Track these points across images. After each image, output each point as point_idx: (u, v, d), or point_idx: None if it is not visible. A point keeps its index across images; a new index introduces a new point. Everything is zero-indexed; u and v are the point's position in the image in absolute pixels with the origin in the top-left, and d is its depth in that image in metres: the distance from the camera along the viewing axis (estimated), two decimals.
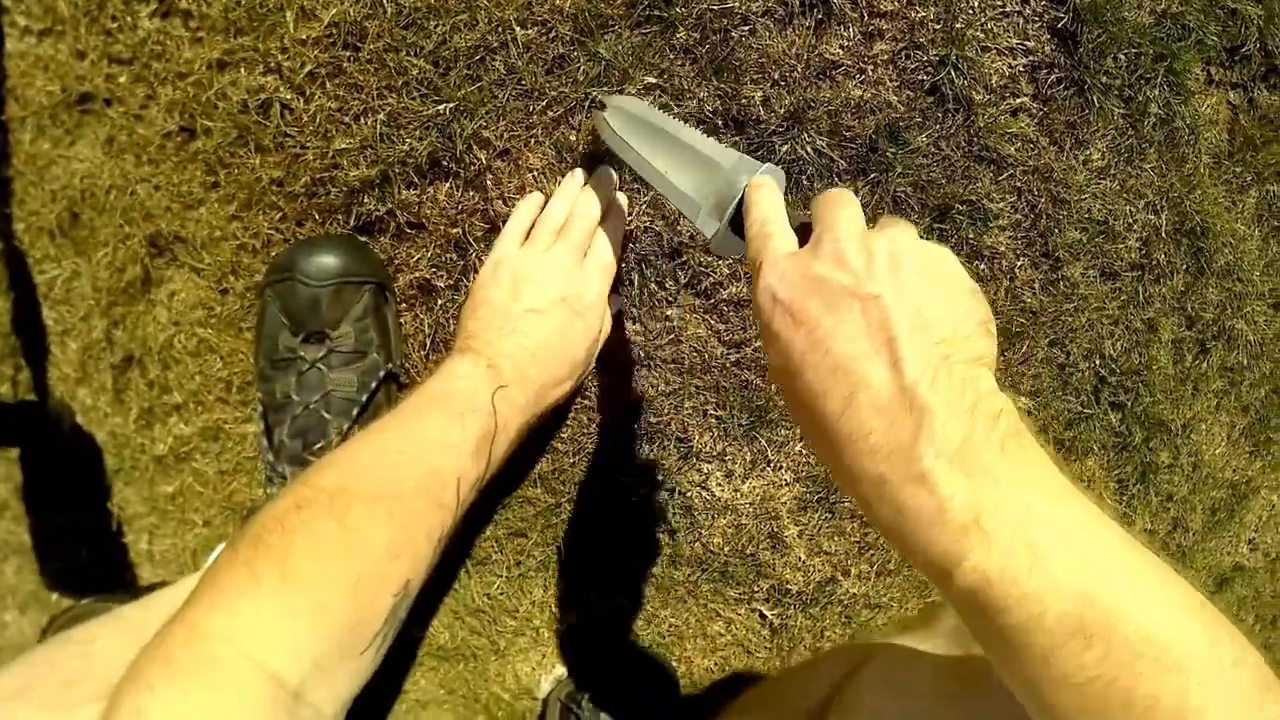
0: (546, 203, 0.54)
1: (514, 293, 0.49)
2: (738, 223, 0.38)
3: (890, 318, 0.28)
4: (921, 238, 0.32)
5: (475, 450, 0.43)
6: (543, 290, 0.49)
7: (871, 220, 0.32)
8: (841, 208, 0.32)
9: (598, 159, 0.55)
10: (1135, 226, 0.63)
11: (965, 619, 0.28)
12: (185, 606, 0.33)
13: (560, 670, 0.73)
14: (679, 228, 0.57)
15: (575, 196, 0.53)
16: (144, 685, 0.30)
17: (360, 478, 0.38)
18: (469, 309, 0.51)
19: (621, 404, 0.62)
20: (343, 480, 0.38)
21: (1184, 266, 0.65)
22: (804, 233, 0.34)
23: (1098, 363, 0.66)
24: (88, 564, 0.72)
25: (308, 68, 0.53)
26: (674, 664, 0.72)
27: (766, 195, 0.36)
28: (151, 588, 0.72)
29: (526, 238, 0.53)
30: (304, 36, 0.52)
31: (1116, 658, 0.25)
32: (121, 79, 0.55)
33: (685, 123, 0.45)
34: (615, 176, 0.54)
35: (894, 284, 0.29)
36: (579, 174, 0.54)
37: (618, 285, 0.58)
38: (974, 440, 0.27)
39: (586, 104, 0.53)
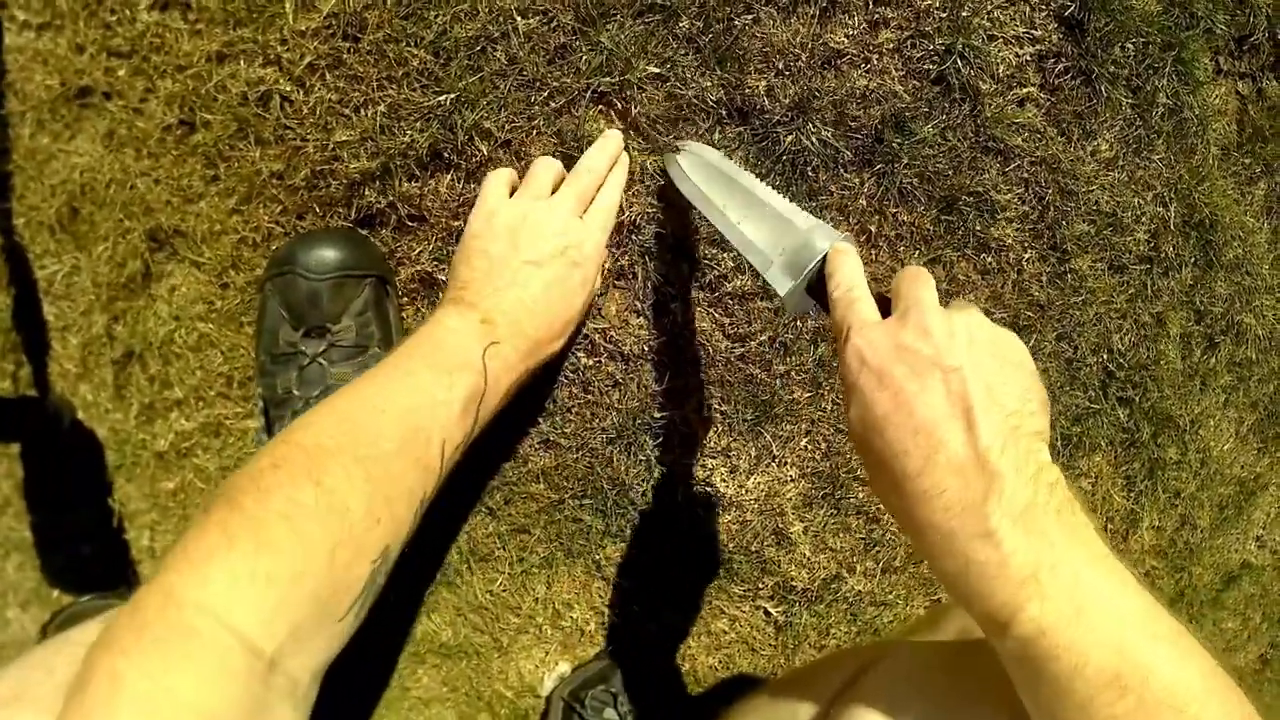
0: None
1: (512, 243, 0.48)
2: (811, 283, 0.40)
3: (969, 389, 0.31)
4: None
5: (463, 410, 0.42)
6: (542, 240, 0.48)
7: (944, 300, 0.36)
8: (923, 286, 0.35)
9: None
10: (1143, 219, 0.62)
11: (1013, 668, 0.31)
12: (159, 571, 0.32)
13: (563, 668, 0.72)
14: (684, 221, 0.57)
15: (558, 167, 0.52)
16: (119, 651, 0.30)
17: (340, 436, 0.37)
18: (461, 258, 0.49)
19: (624, 400, 0.62)
20: (321, 438, 0.37)
21: (1192, 260, 0.65)
22: (880, 304, 0.37)
23: (1105, 357, 0.65)
24: (89, 561, 0.72)
25: (307, 59, 0.52)
26: (679, 662, 0.71)
27: (850, 262, 0.39)
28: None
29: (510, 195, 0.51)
30: (303, 28, 0.52)
31: (1146, 709, 0.28)
32: (121, 72, 0.55)
33: (759, 178, 0.47)
34: (622, 137, 0.53)
35: (971, 359, 0.32)
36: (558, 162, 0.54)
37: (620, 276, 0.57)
38: (1036, 505, 0.30)
39: (661, 145, 0.54)
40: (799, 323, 0.60)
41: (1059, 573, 0.29)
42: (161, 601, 0.31)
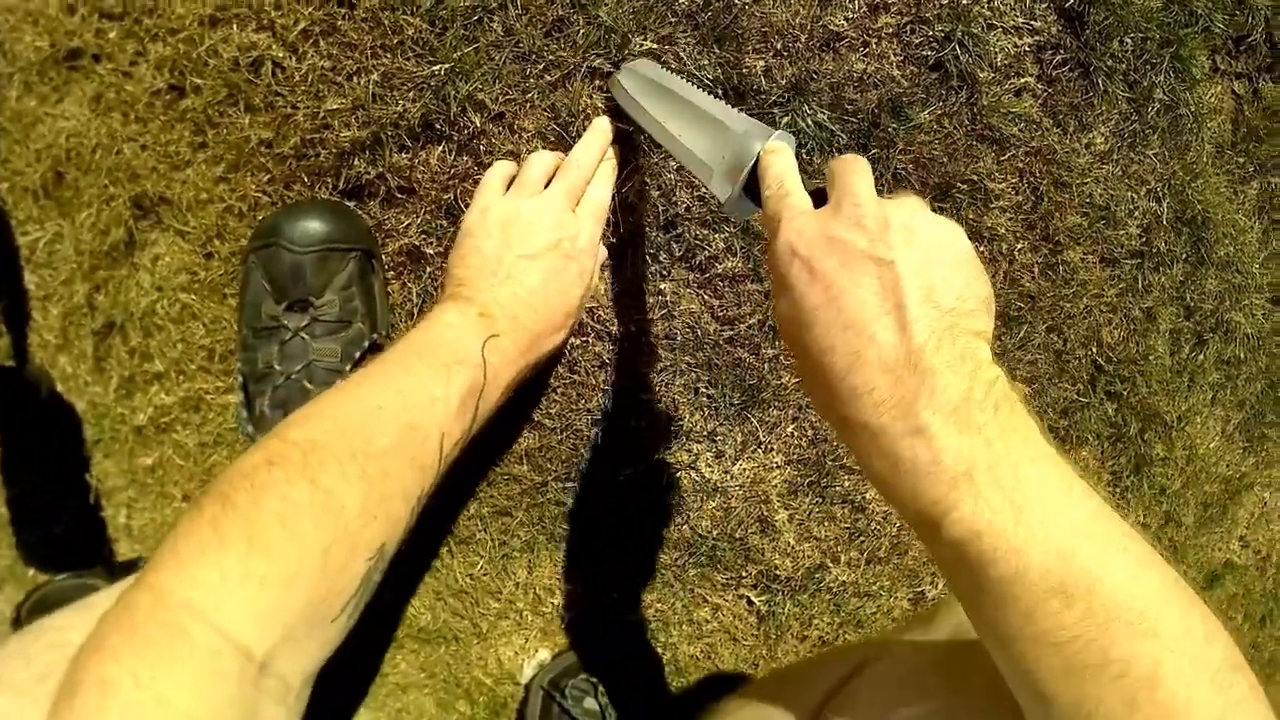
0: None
1: (505, 239, 0.48)
2: (749, 186, 0.38)
3: (902, 284, 0.30)
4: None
5: (461, 406, 0.42)
6: (535, 235, 0.48)
7: (882, 193, 0.33)
8: (858, 174, 0.33)
9: (614, 118, 0.54)
10: (1136, 213, 0.62)
11: (950, 575, 0.30)
12: (149, 568, 0.32)
13: (543, 655, 0.72)
14: (674, 199, 0.56)
15: (558, 161, 0.52)
16: (109, 654, 0.29)
17: (335, 434, 0.37)
18: (457, 257, 0.49)
19: (610, 381, 0.61)
20: (316, 435, 0.36)
21: (1184, 256, 0.65)
22: (818, 198, 0.35)
23: (1095, 350, 0.65)
24: (65, 538, 0.71)
25: (301, 25, 0.52)
26: (659, 650, 0.71)
27: (782, 159, 0.37)
28: (128, 564, 0.70)
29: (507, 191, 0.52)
30: None
31: (1094, 619, 0.26)
32: (111, 35, 0.54)
33: (698, 87, 0.45)
34: (610, 128, 0.53)
35: (907, 252, 0.30)
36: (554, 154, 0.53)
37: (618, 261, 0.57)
38: (970, 402, 0.28)
39: (609, 71, 0.52)
40: None
41: (997, 471, 0.27)
42: (152, 602, 0.30)
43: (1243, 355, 0.70)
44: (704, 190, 0.56)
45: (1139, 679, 0.25)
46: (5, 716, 0.33)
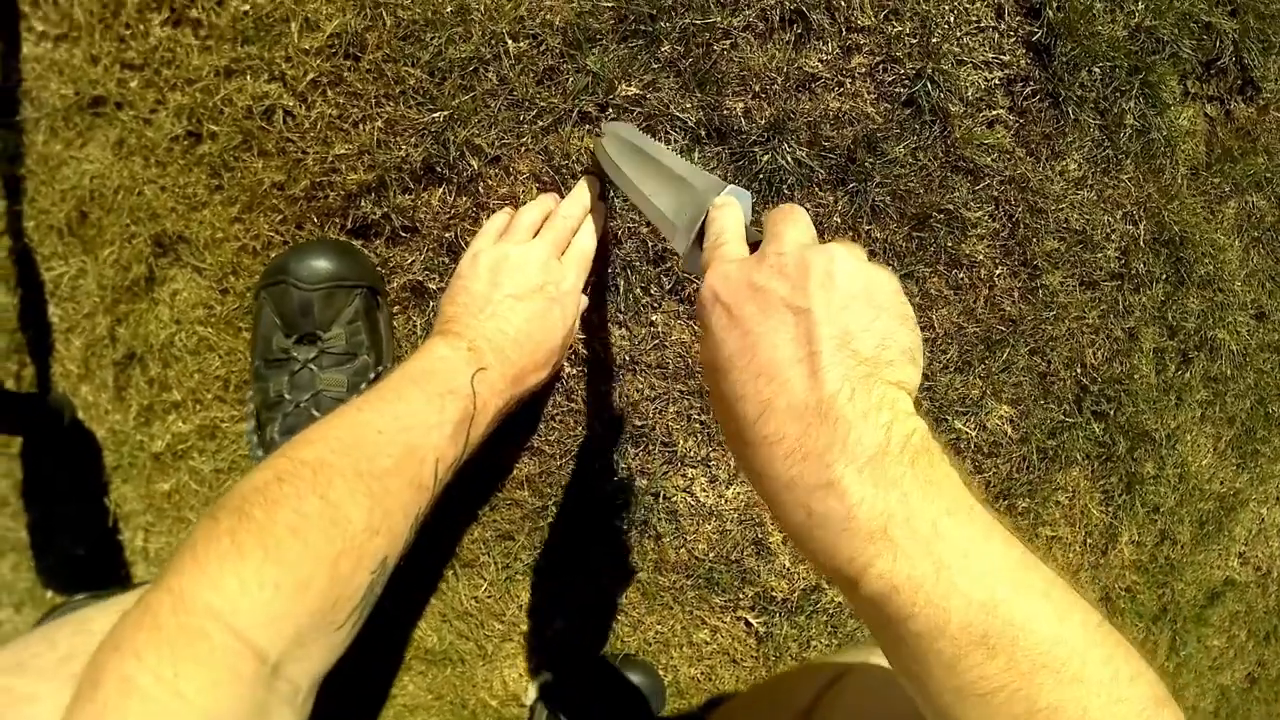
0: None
1: (493, 280, 0.51)
2: (702, 240, 0.39)
3: (817, 330, 0.29)
4: (871, 260, 0.33)
5: (454, 432, 0.44)
6: (522, 277, 0.51)
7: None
8: (790, 224, 0.33)
9: (599, 180, 0.57)
10: (1114, 236, 0.64)
11: (873, 629, 0.29)
12: (168, 573, 0.33)
13: (546, 676, 0.73)
14: (662, 235, 0.59)
15: (551, 203, 0.55)
16: (130, 653, 0.31)
17: (341, 453, 0.39)
18: (448, 297, 0.52)
19: (607, 409, 0.63)
20: (324, 455, 0.39)
21: (1164, 276, 0.66)
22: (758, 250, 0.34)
23: (1079, 371, 0.67)
24: (83, 561, 0.73)
25: (310, 76, 0.55)
26: (660, 672, 0.72)
27: (727, 213, 0.37)
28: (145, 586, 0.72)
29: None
30: (307, 46, 0.55)
31: (1019, 669, 0.25)
32: (133, 84, 0.58)
33: (670, 147, 0.47)
34: (596, 184, 0.56)
35: (825, 299, 0.30)
36: (547, 198, 0.57)
37: (602, 293, 0.59)
38: (886, 455, 0.27)
39: (591, 131, 0.56)
40: None
41: (914, 525, 0.26)
42: (173, 604, 0.32)
43: (1229, 372, 0.71)
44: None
45: None
46: (28, 697, 0.34)
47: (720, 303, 0.32)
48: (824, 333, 0.29)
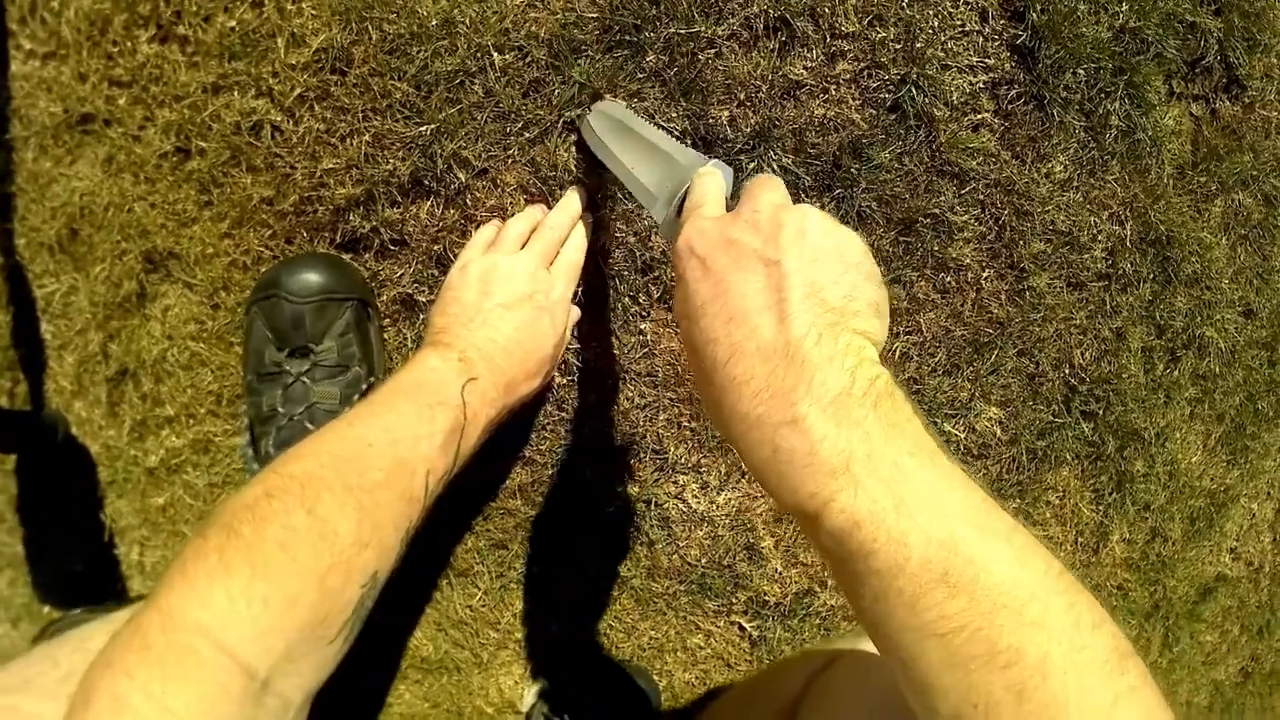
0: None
1: (483, 290, 0.51)
2: (683, 210, 0.40)
3: (787, 280, 0.31)
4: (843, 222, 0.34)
5: (444, 444, 0.44)
6: (511, 286, 0.51)
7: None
8: (766, 188, 0.35)
9: (584, 159, 0.57)
10: (1100, 237, 0.64)
11: (833, 567, 0.30)
12: (157, 592, 0.34)
13: (542, 684, 0.73)
14: (649, 243, 0.59)
15: (539, 215, 0.56)
16: (121, 671, 0.31)
17: (330, 468, 0.39)
18: (437, 308, 0.52)
19: (597, 417, 0.63)
20: (312, 469, 0.39)
21: (1151, 275, 0.66)
22: None
23: (1067, 372, 0.67)
24: (79, 575, 0.73)
25: (297, 91, 0.55)
26: (655, 678, 0.72)
27: (708, 181, 0.39)
28: (141, 600, 0.72)
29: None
30: (294, 62, 0.55)
31: (979, 608, 0.25)
32: (121, 101, 0.58)
33: (657, 125, 0.48)
34: (584, 196, 0.56)
35: (796, 251, 0.31)
36: (535, 209, 0.57)
37: (591, 303, 0.60)
38: (850, 396, 0.28)
39: (579, 112, 0.56)
40: None
41: (875, 462, 0.27)
42: (162, 623, 0.32)
43: (1218, 370, 0.71)
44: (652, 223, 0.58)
45: (1028, 668, 0.25)
46: (33, 716, 0.35)
47: (695, 255, 0.33)
48: (794, 282, 0.31)
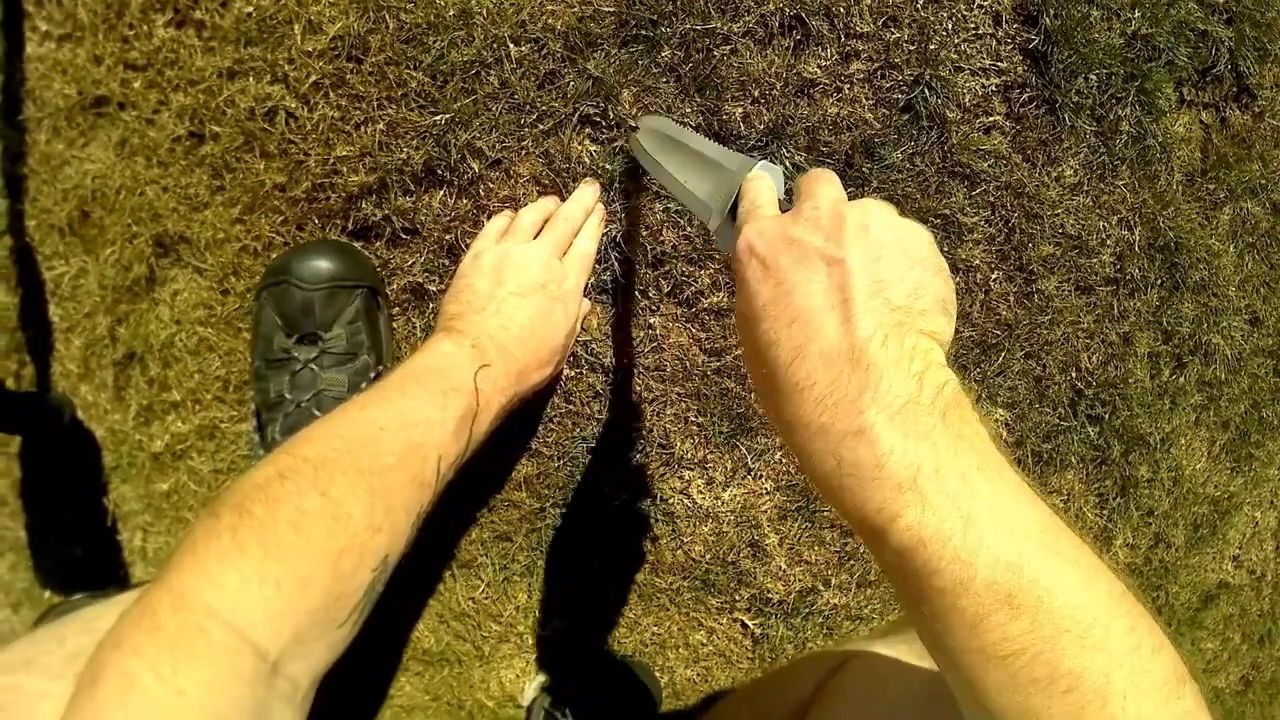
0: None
1: (496, 278, 0.51)
2: (736, 214, 0.40)
3: (851, 279, 0.29)
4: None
5: (456, 429, 0.44)
6: (524, 275, 0.51)
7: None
8: (823, 183, 0.34)
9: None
10: (1109, 242, 0.64)
11: (896, 584, 0.29)
12: (168, 571, 0.33)
13: (543, 678, 0.73)
14: (661, 237, 0.59)
15: (552, 206, 0.56)
16: (130, 650, 0.31)
17: (343, 450, 0.39)
18: (450, 296, 0.52)
19: (604, 411, 0.63)
20: (325, 452, 0.38)
21: (1158, 281, 0.67)
22: None
23: (1074, 375, 0.67)
24: (81, 561, 0.73)
25: (312, 78, 0.55)
26: (657, 673, 0.72)
27: (760, 184, 0.38)
28: (143, 586, 0.72)
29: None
30: (310, 49, 0.55)
31: (1042, 632, 0.25)
32: (136, 84, 0.58)
33: (700, 134, 0.48)
34: (599, 189, 0.57)
35: (860, 249, 0.30)
36: (547, 201, 0.57)
37: (603, 296, 0.60)
38: (919, 404, 0.27)
39: (625, 130, 0.56)
40: None
41: (943, 477, 0.26)
42: (172, 602, 0.32)
43: (1224, 377, 0.71)
44: (691, 229, 0.59)
45: (1088, 693, 0.25)
46: (37, 694, 0.34)
47: (755, 255, 0.32)
48: (857, 281, 0.29)
